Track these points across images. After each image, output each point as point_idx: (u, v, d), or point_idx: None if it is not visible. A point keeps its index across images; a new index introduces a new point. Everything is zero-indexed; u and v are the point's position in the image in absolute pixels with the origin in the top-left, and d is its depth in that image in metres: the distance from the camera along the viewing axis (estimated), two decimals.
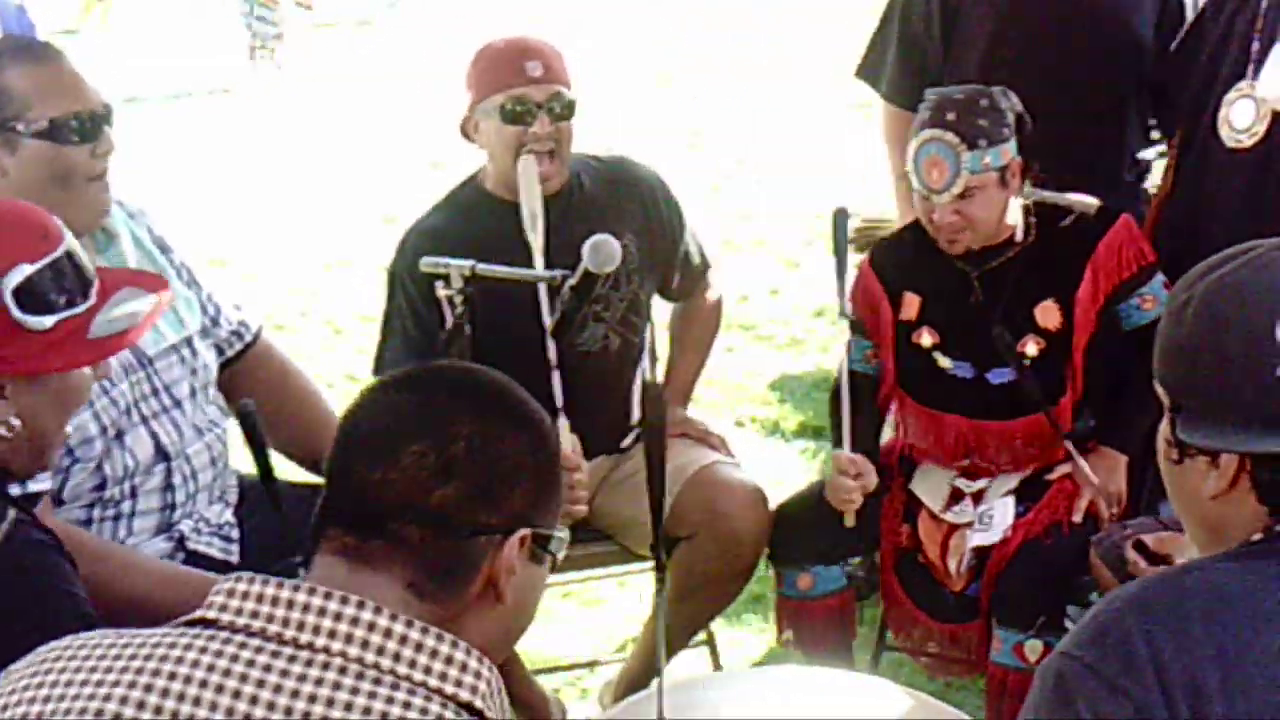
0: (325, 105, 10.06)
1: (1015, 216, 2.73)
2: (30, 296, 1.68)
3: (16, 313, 1.67)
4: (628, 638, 3.33)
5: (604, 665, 3.36)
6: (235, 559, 2.36)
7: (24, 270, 1.67)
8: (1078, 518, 2.70)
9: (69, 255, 1.72)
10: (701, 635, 3.11)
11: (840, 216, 2.79)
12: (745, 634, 3.51)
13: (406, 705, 1.12)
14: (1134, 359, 2.75)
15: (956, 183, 2.62)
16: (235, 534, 2.41)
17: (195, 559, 2.30)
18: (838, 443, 2.81)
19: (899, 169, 3.30)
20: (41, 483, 2.07)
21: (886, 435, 3.04)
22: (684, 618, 2.99)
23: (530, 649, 3.36)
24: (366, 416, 1.29)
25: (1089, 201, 2.78)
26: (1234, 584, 1.21)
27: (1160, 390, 1.34)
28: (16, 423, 1.69)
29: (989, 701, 2.69)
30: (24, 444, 1.71)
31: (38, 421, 1.69)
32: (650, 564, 3.07)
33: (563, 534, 1.33)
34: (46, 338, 1.67)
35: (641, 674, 3.07)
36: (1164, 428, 1.33)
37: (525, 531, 1.27)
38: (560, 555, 1.33)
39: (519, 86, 2.74)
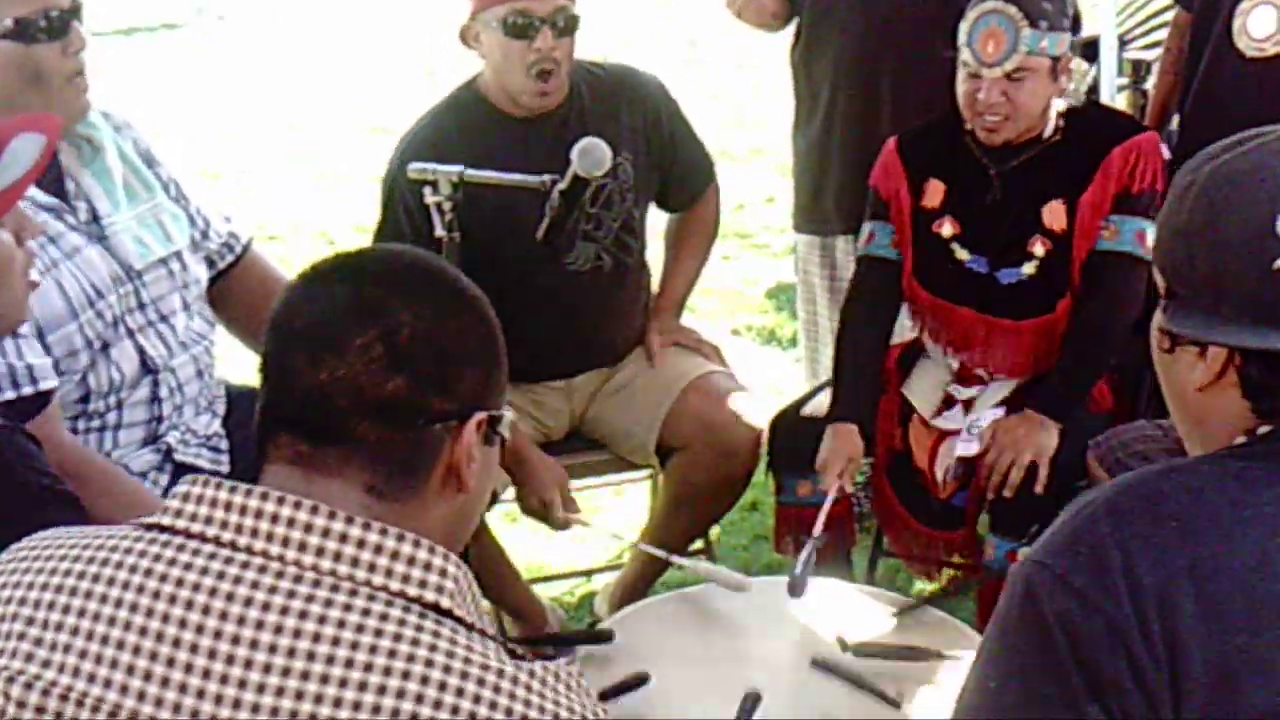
0: (317, 16, 9.93)
1: (1051, 114, 2.68)
2: None
3: None
4: (624, 546, 3.33)
5: (601, 573, 3.38)
6: (225, 469, 2.36)
7: None
8: None
9: None
10: (699, 543, 3.12)
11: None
12: (743, 541, 3.52)
13: (365, 612, 1.09)
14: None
15: (1012, 58, 2.56)
16: (224, 445, 2.40)
17: (184, 470, 2.29)
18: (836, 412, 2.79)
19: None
20: (49, 380, 2.06)
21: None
22: (680, 526, 2.99)
23: (527, 558, 3.37)
24: (300, 312, 1.21)
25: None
26: (1213, 489, 1.18)
27: (1157, 276, 1.30)
28: None
29: (981, 607, 2.71)
30: None
31: None
32: (646, 471, 3.09)
33: (510, 414, 1.29)
34: None
35: (638, 581, 3.09)
36: (1157, 316, 1.30)
37: (482, 415, 1.23)
38: (508, 436, 1.30)
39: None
